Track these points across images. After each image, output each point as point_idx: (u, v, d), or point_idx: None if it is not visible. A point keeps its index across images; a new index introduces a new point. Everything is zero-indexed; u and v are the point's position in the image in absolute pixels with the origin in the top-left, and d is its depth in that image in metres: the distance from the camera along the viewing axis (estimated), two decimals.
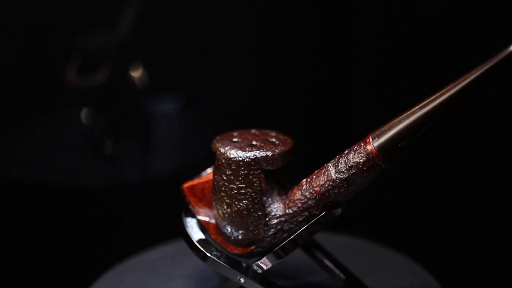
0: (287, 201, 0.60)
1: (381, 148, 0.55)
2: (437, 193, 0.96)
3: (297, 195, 0.59)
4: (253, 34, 1.10)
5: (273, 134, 0.63)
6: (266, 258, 0.60)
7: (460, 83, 0.53)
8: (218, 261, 0.60)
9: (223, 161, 0.60)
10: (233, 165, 0.60)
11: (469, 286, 0.92)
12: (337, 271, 0.64)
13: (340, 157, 0.57)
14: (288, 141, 0.62)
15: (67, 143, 1.11)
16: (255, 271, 0.60)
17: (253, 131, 0.64)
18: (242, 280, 0.59)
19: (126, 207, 1.04)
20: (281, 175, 0.62)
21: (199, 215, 0.64)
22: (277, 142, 0.61)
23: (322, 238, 0.68)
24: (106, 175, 1.06)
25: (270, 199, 0.60)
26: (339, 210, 0.59)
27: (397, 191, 1.01)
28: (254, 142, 0.61)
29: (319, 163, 0.60)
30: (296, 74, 1.08)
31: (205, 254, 0.61)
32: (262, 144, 0.61)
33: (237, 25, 1.10)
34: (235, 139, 0.62)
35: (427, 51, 0.94)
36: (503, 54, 0.51)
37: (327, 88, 1.07)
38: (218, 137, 0.63)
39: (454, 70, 0.91)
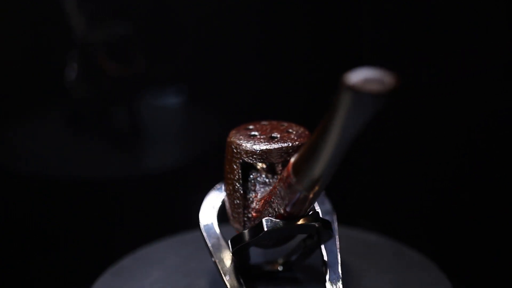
0: (265, 199, 0.58)
1: (293, 165, 0.50)
2: (441, 186, 0.96)
3: (267, 195, 0.57)
4: (256, 26, 1.10)
5: (292, 130, 0.60)
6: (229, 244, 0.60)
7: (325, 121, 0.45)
8: (204, 235, 0.62)
9: (227, 143, 0.61)
10: (227, 148, 0.60)
11: (476, 278, 0.91)
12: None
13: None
14: (289, 141, 0.58)
15: (71, 137, 1.11)
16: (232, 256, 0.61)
17: (285, 124, 0.61)
18: (213, 259, 0.61)
19: (126, 200, 1.04)
20: None
21: None
22: (277, 139, 0.59)
23: None
24: (107, 168, 1.06)
25: (259, 192, 0.59)
26: (264, 226, 0.55)
27: (402, 183, 1.00)
28: (255, 133, 0.60)
29: None
30: (300, 68, 1.08)
31: (200, 225, 0.63)
32: (258, 137, 0.59)
33: (241, 18, 1.10)
34: (251, 126, 0.61)
35: (429, 49, 0.94)
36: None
37: (331, 80, 1.05)
38: (249, 123, 0.62)
39: (455, 69, 0.91)
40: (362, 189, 1.06)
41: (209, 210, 0.64)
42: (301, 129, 0.60)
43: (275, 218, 0.56)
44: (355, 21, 1.04)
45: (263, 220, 0.56)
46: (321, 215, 0.64)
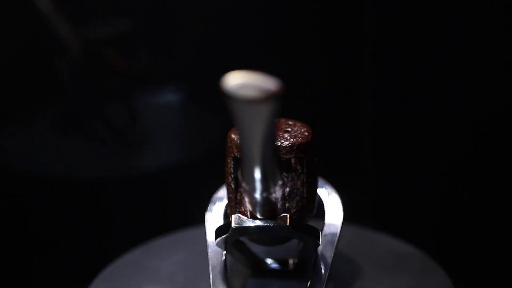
0: None
1: (241, 169, 0.50)
2: (444, 183, 0.92)
3: None
4: (259, 24, 1.08)
5: (290, 130, 0.59)
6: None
7: None
8: (205, 224, 0.62)
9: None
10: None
11: (478, 276, 0.87)
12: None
13: None
14: (282, 140, 0.57)
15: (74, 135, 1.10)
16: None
17: (289, 122, 0.60)
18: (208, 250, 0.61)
19: (127, 200, 1.04)
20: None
21: None
22: None
23: None
24: (106, 168, 1.06)
25: None
26: (232, 222, 0.55)
27: (405, 181, 0.97)
28: None
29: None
30: (305, 64, 1.06)
31: (205, 211, 0.63)
32: None
33: (243, 15, 1.08)
34: None
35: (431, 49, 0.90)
36: None
37: (331, 81, 1.04)
38: None
39: (456, 69, 0.86)
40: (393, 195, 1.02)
41: (217, 203, 0.64)
42: (302, 129, 0.59)
43: (249, 216, 0.55)
44: (357, 19, 1.01)
45: (232, 216, 0.56)
46: (329, 221, 0.62)
